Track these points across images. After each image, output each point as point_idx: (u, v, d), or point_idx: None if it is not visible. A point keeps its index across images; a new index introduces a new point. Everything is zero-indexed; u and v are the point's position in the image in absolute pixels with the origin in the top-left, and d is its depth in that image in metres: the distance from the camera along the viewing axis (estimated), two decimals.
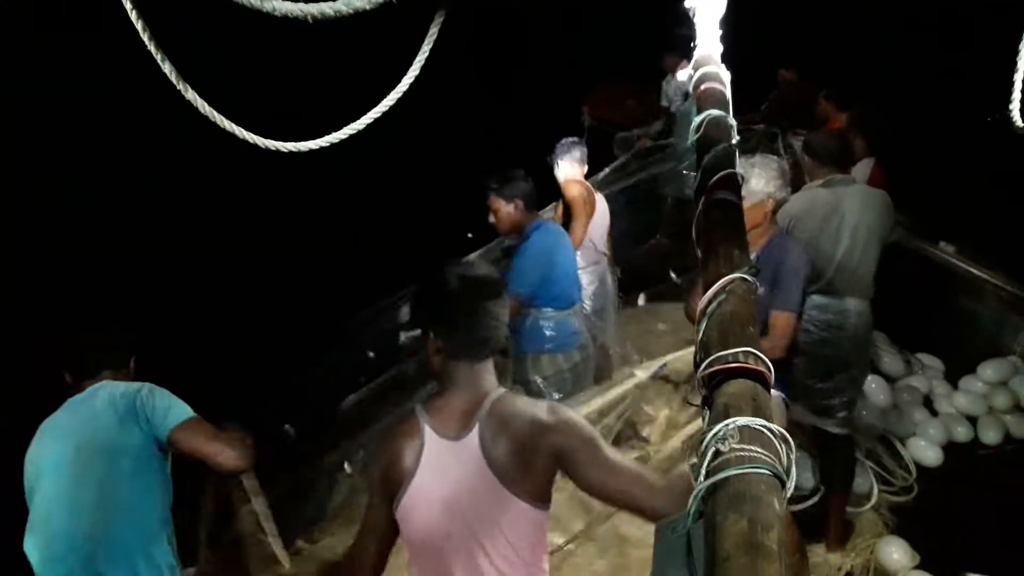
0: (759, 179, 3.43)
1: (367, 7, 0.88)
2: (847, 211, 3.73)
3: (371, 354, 4.71)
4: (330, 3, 0.88)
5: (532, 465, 1.82)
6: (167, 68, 1.22)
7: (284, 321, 5.06)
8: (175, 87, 1.27)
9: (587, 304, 4.64)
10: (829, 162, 3.86)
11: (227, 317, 5.31)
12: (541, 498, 1.86)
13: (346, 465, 4.21)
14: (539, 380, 3.99)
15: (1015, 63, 1.34)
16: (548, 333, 4.04)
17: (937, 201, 5.46)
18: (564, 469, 1.84)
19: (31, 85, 5.77)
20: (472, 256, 4.78)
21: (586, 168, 4.91)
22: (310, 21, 0.87)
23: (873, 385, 4.94)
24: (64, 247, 5.46)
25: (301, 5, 0.88)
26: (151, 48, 1.22)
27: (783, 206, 3.88)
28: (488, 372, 1.94)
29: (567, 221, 4.72)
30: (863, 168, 5.34)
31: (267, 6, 0.87)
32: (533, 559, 1.91)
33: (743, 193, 3.48)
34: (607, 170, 6.28)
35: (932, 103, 6.93)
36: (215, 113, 1.25)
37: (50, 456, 2.33)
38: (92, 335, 2.53)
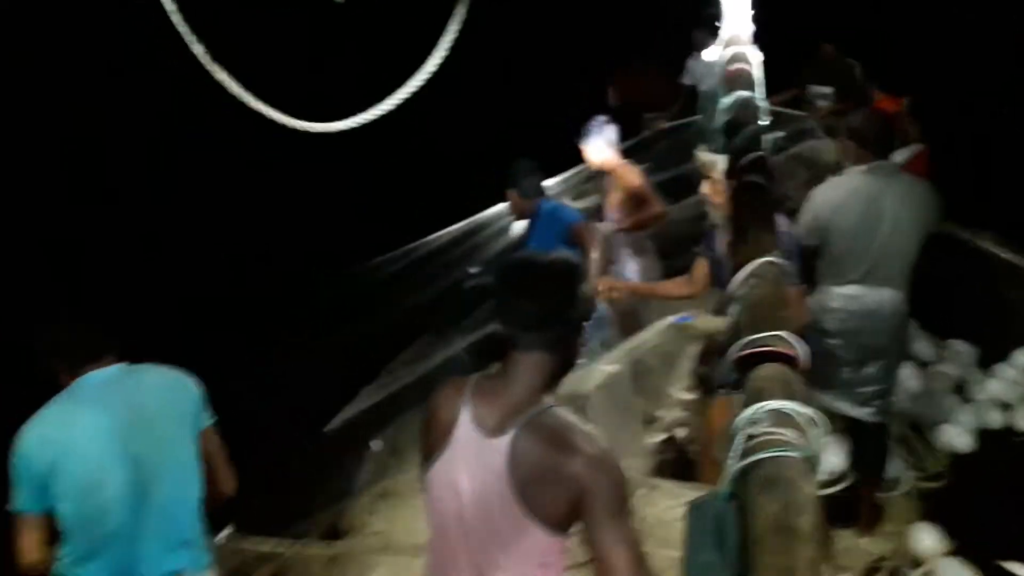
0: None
1: None
2: (889, 201, 3.64)
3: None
4: None
5: (554, 490, 1.69)
6: (198, 50, 1.23)
7: (311, 296, 5.08)
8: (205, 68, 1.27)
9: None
10: (873, 146, 3.76)
11: (254, 292, 5.36)
12: (558, 524, 1.71)
13: (372, 443, 4.24)
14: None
15: None
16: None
17: (981, 189, 5.35)
18: (573, 519, 1.70)
19: (48, 64, 5.83)
20: None
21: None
22: (340, 2, 0.87)
23: (905, 371, 4.87)
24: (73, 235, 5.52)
25: None
26: (182, 30, 1.23)
27: (823, 192, 3.83)
28: (535, 371, 1.75)
29: (633, 206, 4.73)
30: (906, 153, 5.26)
31: None
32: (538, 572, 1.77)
33: (716, 175, 3.53)
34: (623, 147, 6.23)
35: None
36: (244, 93, 1.26)
37: (86, 426, 2.29)
38: (84, 319, 2.46)
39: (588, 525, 1.66)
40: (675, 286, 3.83)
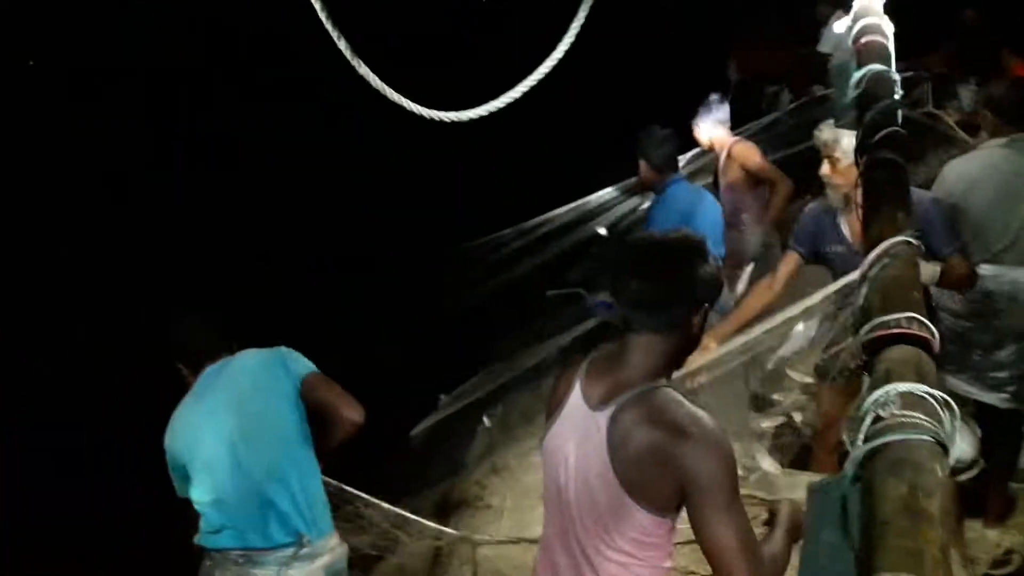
0: (850, 138, 3.30)
1: None
2: None
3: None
4: None
5: (656, 471, 1.63)
6: (342, 45, 1.30)
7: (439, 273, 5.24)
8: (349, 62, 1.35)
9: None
10: (1015, 119, 3.54)
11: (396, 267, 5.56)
12: (661, 505, 1.66)
13: (485, 419, 4.35)
14: None
15: None
16: None
17: None
18: (678, 504, 1.66)
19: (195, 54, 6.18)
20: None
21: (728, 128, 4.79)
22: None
23: None
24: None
25: None
26: (328, 27, 1.31)
27: (956, 166, 3.64)
28: (646, 352, 1.71)
29: (752, 185, 4.65)
30: None
31: None
32: (638, 553, 1.72)
33: (837, 154, 3.38)
34: (752, 126, 6.07)
35: None
36: (385, 87, 1.33)
37: (199, 412, 2.52)
38: (201, 322, 2.69)
39: (694, 510, 1.61)
40: (759, 299, 3.68)
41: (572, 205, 5.23)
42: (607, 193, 5.36)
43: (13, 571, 3.50)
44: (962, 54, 6.41)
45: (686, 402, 1.69)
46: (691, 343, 1.77)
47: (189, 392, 2.61)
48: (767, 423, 4.51)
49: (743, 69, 7.62)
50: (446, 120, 1.37)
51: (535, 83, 1.41)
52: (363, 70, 1.35)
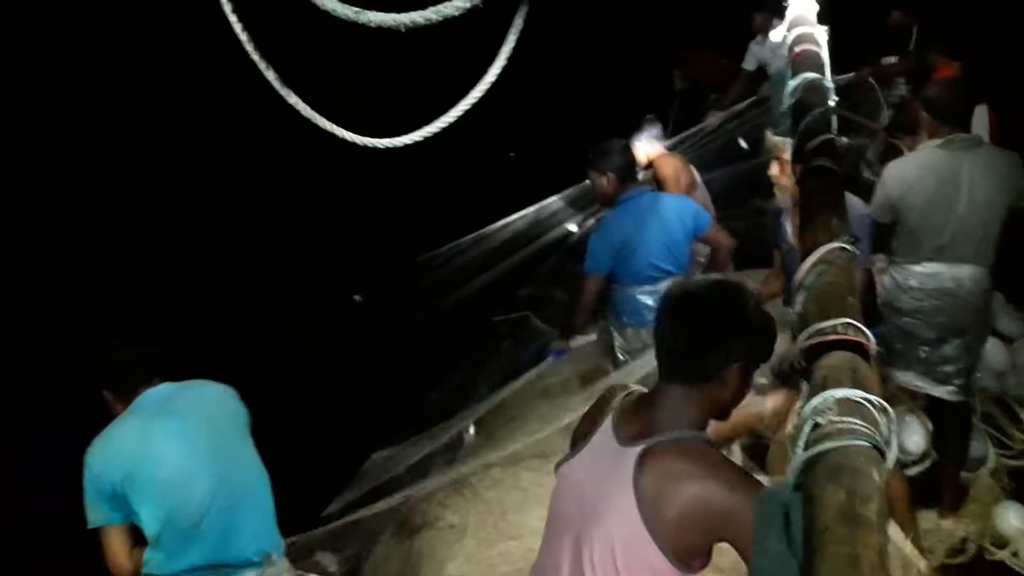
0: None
1: (456, 13, 0.92)
2: (967, 176, 3.50)
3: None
4: (421, 12, 0.93)
5: (684, 514, 1.54)
6: (271, 76, 1.29)
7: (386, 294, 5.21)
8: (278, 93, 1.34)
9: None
10: (950, 120, 3.62)
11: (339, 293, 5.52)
12: (682, 555, 1.56)
13: (471, 428, 4.31)
14: (622, 352, 4.01)
15: None
16: (624, 308, 4.03)
17: None
18: (723, 536, 1.54)
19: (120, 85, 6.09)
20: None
21: (664, 142, 4.89)
22: (403, 30, 0.93)
23: (990, 347, 4.72)
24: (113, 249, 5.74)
25: (394, 16, 0.93)
26: (255, 57, 1.30)
27: (896, 168, 3.73)
28: (675, 403, 1.64)
29: None
30: (980, 116, 5.04)
31: (363, 19, 0.93)
32: None
33: (786, 156, 3.49)
34: (693, 130, 6.18)
35: None
36: (316, 115, 1.32)
37: (159, 432, 2.41)
38: (132, 347, 2.56)
39: (737, 548, 1.50)
40: (768, 286, 3.80)
41: (514, 217, 5.20)
42: (554, 203, 5.39)
43: (13, 571, 3.46)
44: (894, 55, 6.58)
45: (721, 455, 1.64)
46: (729, 402, 1.65)
47: (128, 414, 2.46)
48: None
49: (688, 78, 7.74)
50: (380, 147, 1.36)
51: (469, 107, 1.41)
52: (293, 99, 1.34)
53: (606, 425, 1.73)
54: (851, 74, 6.16)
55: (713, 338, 1.59)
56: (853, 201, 3.53)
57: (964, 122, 3.63)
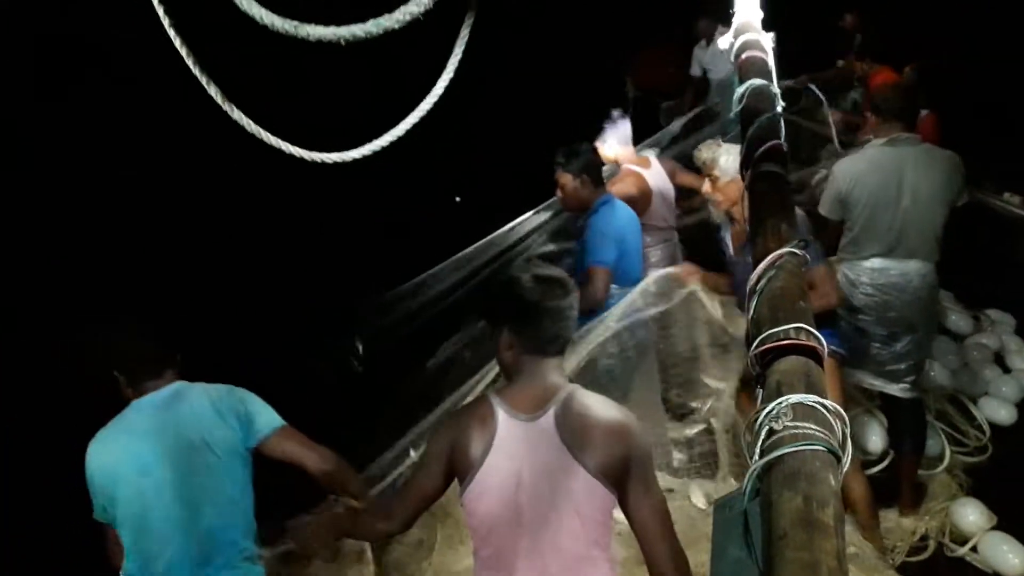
0: (727, 157, 3.45)
1: (396, 26, 0.91)
2: (909, 172, 3.62)
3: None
4: (361, 26, 0.92)
5: (604, 441, 1.89)
6: (213, 91, 1.27)
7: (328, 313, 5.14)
8: (221, 108, 1.31)
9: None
10: (894, 119, 3.74)
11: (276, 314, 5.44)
12: (612, 478, 1.90)
13: (411, 451, 4.26)
14: (603, 356, 3.97)
15: None
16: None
17: (999, 152, 5.27)
18: (621, 478, 1.91)
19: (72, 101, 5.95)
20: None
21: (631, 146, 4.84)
22: (343, 44, 0.91)
23: (941, 345, 4.82)
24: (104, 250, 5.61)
25: (334, 29, 0.92)
26: (196, 72, 1.27)
27: (843, 165, 3.81)
28: (559, 367, 2.02)
29: None
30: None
31: (301, 32, 0.91)
32: (600, 539, 1.95)
33: (716, 172, 3.54)
34: (650, 141, 6.22)
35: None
36: (261, 131, 1.30)
37: (135, 460, 2.36)
38: (147, 336, 2.50)
39: (631, 490, 1.90)
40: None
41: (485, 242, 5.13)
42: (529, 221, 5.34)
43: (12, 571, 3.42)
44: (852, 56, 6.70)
45: (604, 397, 2.01)
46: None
47: (122, 419, 2.42)
48: (687, 431, 4.58)
49: (640, 86, 7.82)
50: (328, 162, 1.34)
51: (419, 120, 1.40)
52: (236, 115, 1.31)
53: (502, 421, 1.94)
54: (789, 80, 6.27)
55: (574, 313, 2.02)
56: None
57: (909, 121, 3.74)
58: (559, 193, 3.97)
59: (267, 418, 2.46)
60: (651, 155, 4.84)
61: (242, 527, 2.46)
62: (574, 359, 3.68)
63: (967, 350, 4.98)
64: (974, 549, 3.65)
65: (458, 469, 1.97)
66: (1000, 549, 3.55)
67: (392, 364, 4.51)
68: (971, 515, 3.75)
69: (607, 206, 3.90)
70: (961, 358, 4.87)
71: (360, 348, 4.42)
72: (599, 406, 1.95)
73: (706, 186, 3.62)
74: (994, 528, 3.68)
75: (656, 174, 4.68)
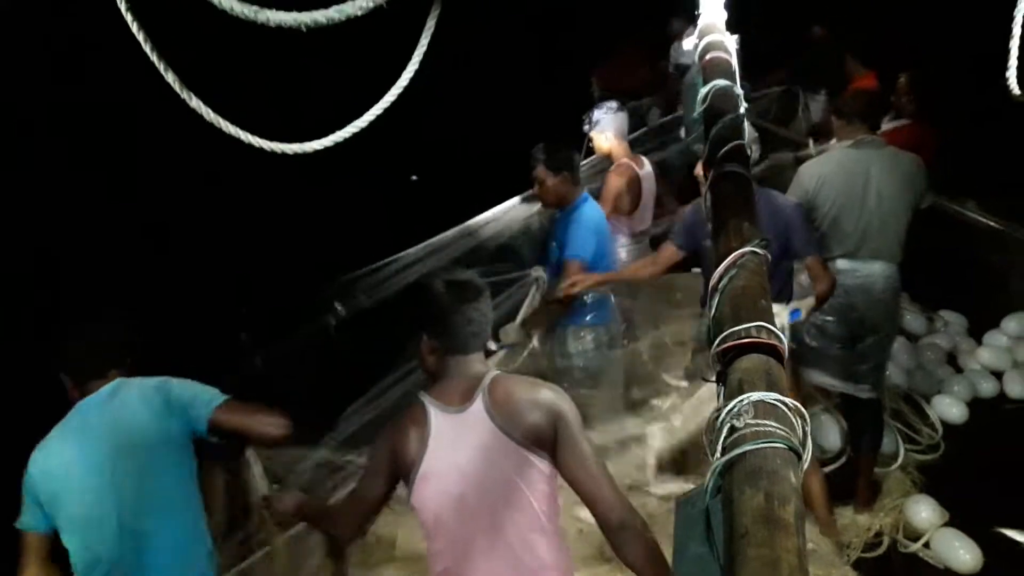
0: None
1: (359, 13, 0.89)
2: (874, 174, 3.68)
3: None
4: (323, 11, 0.90)
5: (534, 415, 2.00)
6: (170, 78, 1.24)
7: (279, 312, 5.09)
8: (179, 95, 1.28)
9: None
10: (857, 123, 3.81)
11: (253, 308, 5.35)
12: (548, 448, 2.01)
13: (357, 457, 4.21)
14: (577, 354, 3.97)
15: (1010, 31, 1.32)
16: (589, 306, 4.04)
17: (953, 155, 5.37)
18: (553, 442, 2.00)
19: (33, 92, 5.80)
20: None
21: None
22: (303, 30, 0.89)
23: (896, 345, 4.91)
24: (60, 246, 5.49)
25: (295, 15, 0.90)
26: (154, 59, 1.24)
27: (810, 167, 3.87)
28: (480, 360, 2.13)
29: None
30: (887, 126, 5.28)
31: (261, 17, 0.89)
32: (548, 508, 2.04)
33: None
34: (636, 133, 6.24)
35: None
36: (220, 119, 1.27)
37: (80, 461, 2.32)
38: (93, 334, 2.48)
39: (564, 451, 1.99)
40: (639, 268, 3.84)
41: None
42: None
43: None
44: (812, 67, 6.80)
45: (527, 377, 2.19)
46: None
47: (65, 424, 2.40)
48: (648, 428, 4.61)
49: (606, 85, 7.83)
50: (288, 152, 1.31)
51: (382, 111, 1.38)
52: (195, 103, 1.28)
53: (434, 417, 2.03)
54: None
55: (488, 312, 2.13)
56: (782, 200, 3.64)
57: (872, 124, 3.81)
58: (537, 189, 3.98)
59: (205, 399, 2.42)
60: (644, 156, 4.85)
61: (191, 524, 2.42)
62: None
63: (921, 350, 5.09)
64: (927, 545, 3.73)
65: (400, 472, 2.06)
66: (952, 545, 3.63)
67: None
68: (924, 512, 3.82)
69: (587, 203, 3.96)
70: (915, 358, 4.97)
71: (341, 310, 4.43)
72: (521, 383, 2.08)
73: (699, 168, 3.66)
74: (946, 524, 3.76)
75: (647, 175, 4.70)
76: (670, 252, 3.74)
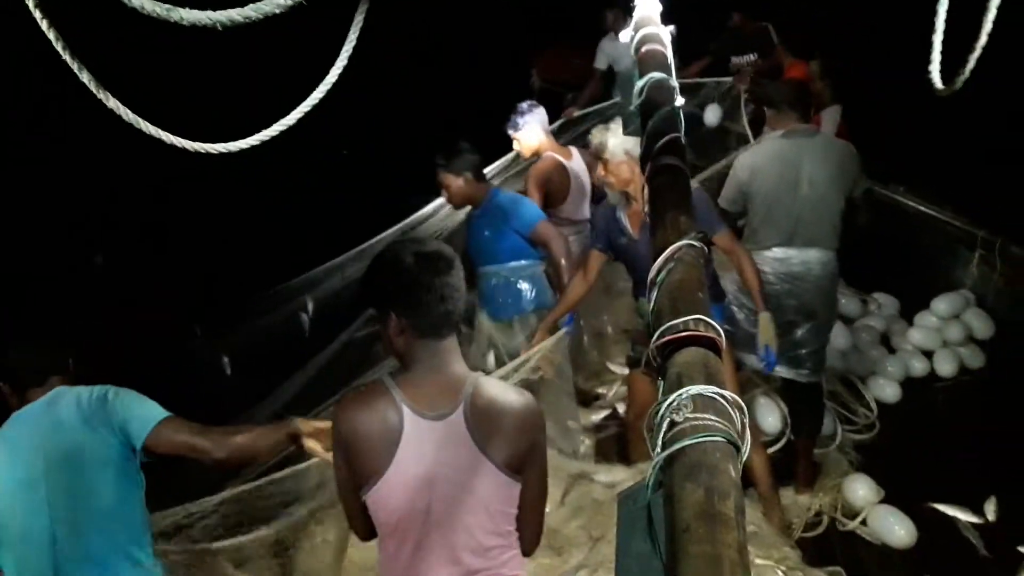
0: (614, 139, 3.51)
1: (277, 11, 0.85)
2: (806, 162, 3.74)
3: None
4: (239, 10, 0.86)
5: (512, 443, 1.89)
6: (85, 77, 1.18)
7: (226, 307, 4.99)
8: (95, 96, 1.23)
9: None
10: (789, 112, 3.86)
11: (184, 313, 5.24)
12: (519, 470, 1.92)
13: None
14: (527, 341, 3.96)
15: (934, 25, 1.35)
16: (530, 292, 4.05)
17: (884, 142, 5.52)
18: (524, 464, 1.93)
19: None
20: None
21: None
22: (219, 29, 0.85)
23: (834, 328, 5.03)
24: None
25: (209, 13, 0.85)
26: (66, 57, 1.18)
27: (743, 157, 3.92)
28: (457, 351, 1.93)
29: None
30: (833, 115, 5.39)
31: (174, 16, 0.84)
32: (509, 528, 1.97)
33: (606, 155, 3.60)
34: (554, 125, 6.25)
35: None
36: (140, 120, 1.22)
37: (13, 476, 2.24)
38: (30, 340, 2.40)
39: (525, 471, 1.92)
40: (574, 291, 3.81)
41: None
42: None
43: None
44: (733, 43, 6.88)
45: (508, 384, 2.02)
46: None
47: (6, 427, 2.32)
48: (594, 416, 4.65)
49: (544, 76, 7.84)
50: (212, 152, 1.26)
51: (309, 109, 1.34)
52: (112, 103, 1.23)
53: (408, 420, 1.83)
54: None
55: (462, 287, 1.92)
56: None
57: (803, 113, 3.88)
58: (445, 194, 4.03)
59: (144, 416, 2.31)
60: (574, 148, 4.85)
61: (131, 537, 2.34)
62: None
63: (856, 332, 5.22)
64: (864, 522, 3.83)
65: (357, 468, 1.85)
66: (887, 521, 3.74)
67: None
68: (861, 490, 3.93)
69: (500, 193, 4.07)
70: (851, 340, 5.10)
71: (310, 306, 4.39)
72: (505, 397, 1.91)
73: (600, 170, 3.66)
74: (882, 501, 3.87)
75: (577, 164, 4.70)
76: (595, 257, 3.76)
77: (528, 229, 3.98)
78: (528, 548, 2.02)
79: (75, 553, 2.26)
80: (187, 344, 4.70)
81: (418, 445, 1.83)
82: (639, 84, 2.36)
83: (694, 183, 3.66)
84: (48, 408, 2.31)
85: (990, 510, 3.80)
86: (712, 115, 6.19)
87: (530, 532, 2.01)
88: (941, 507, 3.84)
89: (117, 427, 2.29)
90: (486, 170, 4.98)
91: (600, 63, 7.12)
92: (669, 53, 2.59)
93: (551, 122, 5.11)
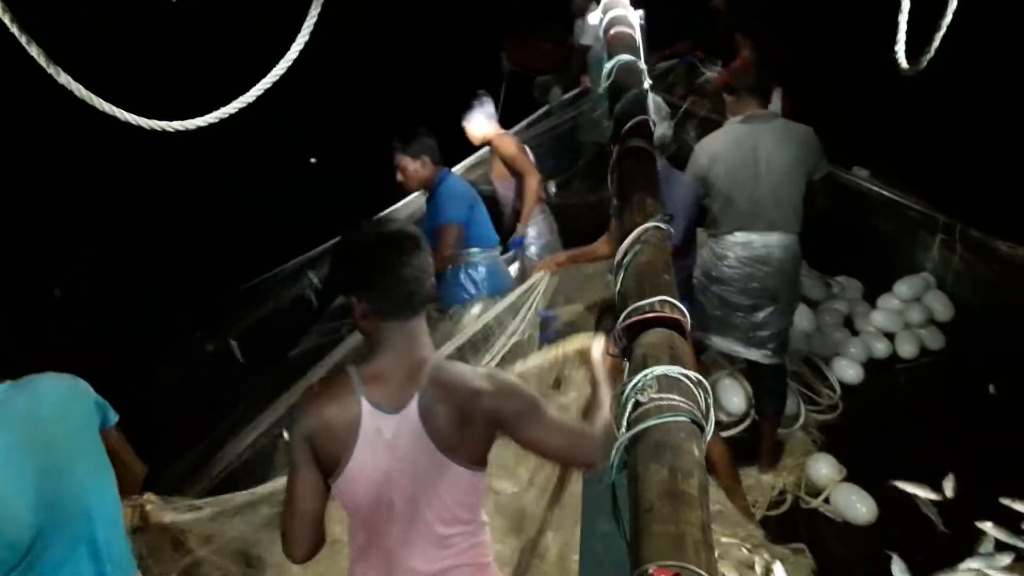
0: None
1: None
2: (765, 147, 3.76)
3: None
4: None
5: (471, 432, 1.83)
6: (34, 51, 1.14)
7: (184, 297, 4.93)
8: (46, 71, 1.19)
9: (534, 255, 4.68)
10: (747, 97, 3.88)
11: (125, 296, 5.17)
12: (479, 462, 1.88)
13: (284, 433, 4.12)
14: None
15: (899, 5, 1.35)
16: (479, 279, 4.06)
17: (846, 127, 5.57)
18: (504, 432, 1.87)
19: None
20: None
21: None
22: (173, 2, 0.82)
23: (798, 311, 5.09)
24: None
25: None
26: (14, 30, 1.15)
27: (704, 144, 3.94)
28: (423, 332, 1.88)
29: (516, 176, 4.73)
30: (775, 100, 5.42)
31: None
32: (471, 516, 1.94)
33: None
34: (530, 119, 6.25)
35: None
36: (93, 96, 1.19)
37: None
38: None
39: (524, 439, 1.86)
40: (602, 246, 3.85)
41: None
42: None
43: None
44: (711, 39, 6.89)
45: (469, 366, 1.93)
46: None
47: None
48: (563, 399, 4.65)
49: (515, 61, 7.80)
50: (169, 130, 1.24)
51: (269, 87, 1.31)
52: (63, 79, 1.19)
53: (365, 411, 1.82)
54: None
55: (429, 267, 1.87)
56: (680, 177, 3.71)
57: (762, 98, 3.89)
58: (400, 176, 4.08)
59: (111, 411, 2.32)
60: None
61: (110, 517, 2.32)
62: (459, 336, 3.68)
63: (820, 314, 5.28)
64: (827, 500, 3.90)
65: (322, 461, 1.85)
66: (850, 499, 3.81)
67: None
68: (824, 469, 3.99)
69: (451, 176, 4.18)
70: (814, 322, 5.16)
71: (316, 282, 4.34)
72: (462, 385, 1.83)
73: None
74: (844, 480, 3.94)
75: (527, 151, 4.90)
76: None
77: (433, 226, 4.04)
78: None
79: (63, 527, 2.21)
80: (187, 344, 4.65)
81: (376, 440, 1.82)
82: (607, 66, 2.36)
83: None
84: (18, 389, 2.23)
85: (948, 487, 3.88)
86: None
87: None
88: (901, 485, 3.92)
89: (91, 403, 2.29)
90: (469, 161, 5.05)
91: (586, 39, 7.07)
92: (638, 35, 2.59)
93: (521, 105, 5.18)
